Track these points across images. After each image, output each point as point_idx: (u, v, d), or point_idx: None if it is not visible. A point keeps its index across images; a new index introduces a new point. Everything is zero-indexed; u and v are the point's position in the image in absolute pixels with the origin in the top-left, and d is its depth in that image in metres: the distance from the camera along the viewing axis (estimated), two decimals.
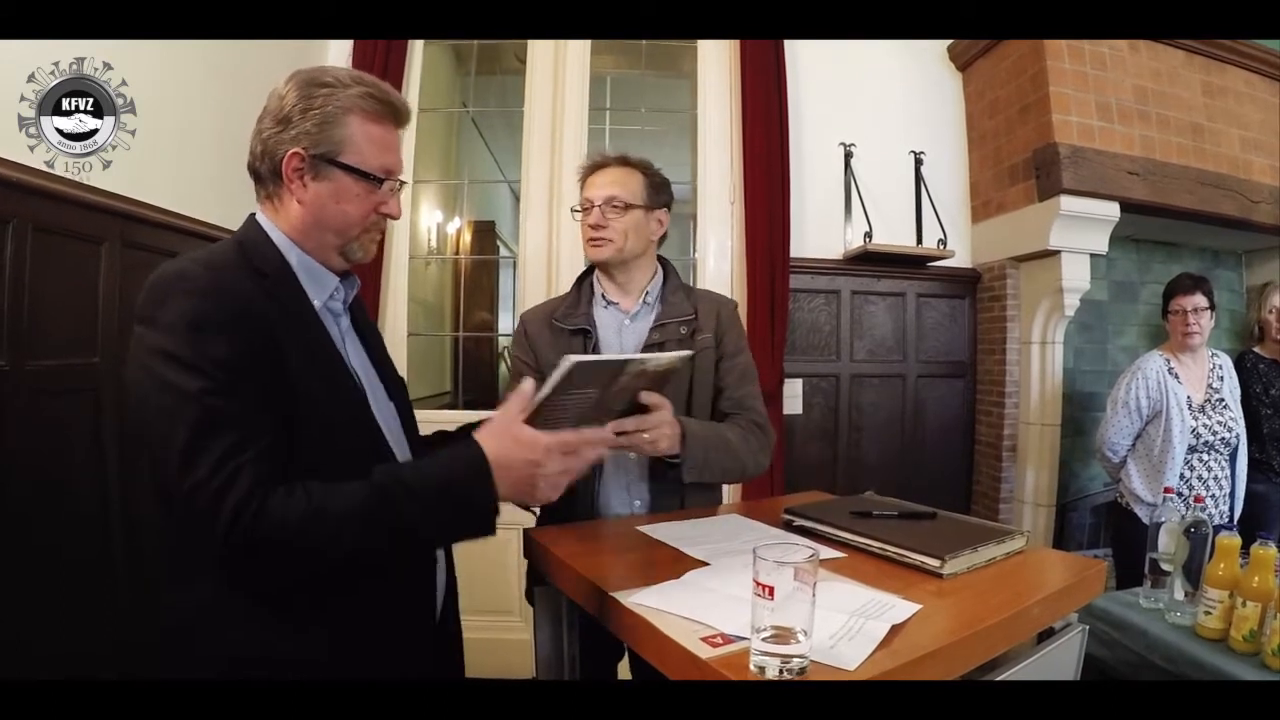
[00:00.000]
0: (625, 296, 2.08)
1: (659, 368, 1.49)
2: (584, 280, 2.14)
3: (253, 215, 1.34)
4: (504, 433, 1.21)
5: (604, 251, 2.03)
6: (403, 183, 1.40)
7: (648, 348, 1.98)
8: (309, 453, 1.17)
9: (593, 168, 2.07)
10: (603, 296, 2.08)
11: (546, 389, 1.22)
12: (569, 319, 2.03)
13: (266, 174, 1.30)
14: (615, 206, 1.99)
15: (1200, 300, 3.09)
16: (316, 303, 1.31)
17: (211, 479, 1.05)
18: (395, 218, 1.38)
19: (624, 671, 1.91)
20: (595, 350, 1.98)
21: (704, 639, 1.08)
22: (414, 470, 1.23)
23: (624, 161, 2.06)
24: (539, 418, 1.24)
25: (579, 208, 2.06)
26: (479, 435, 1.21)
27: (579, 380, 1.26)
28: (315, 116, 1.25)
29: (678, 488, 1.90)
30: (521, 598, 3.44)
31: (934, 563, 1.39)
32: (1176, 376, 3.11)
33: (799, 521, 1.70)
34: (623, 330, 2.06)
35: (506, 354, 4.98)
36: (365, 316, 1.55)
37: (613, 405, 1.47)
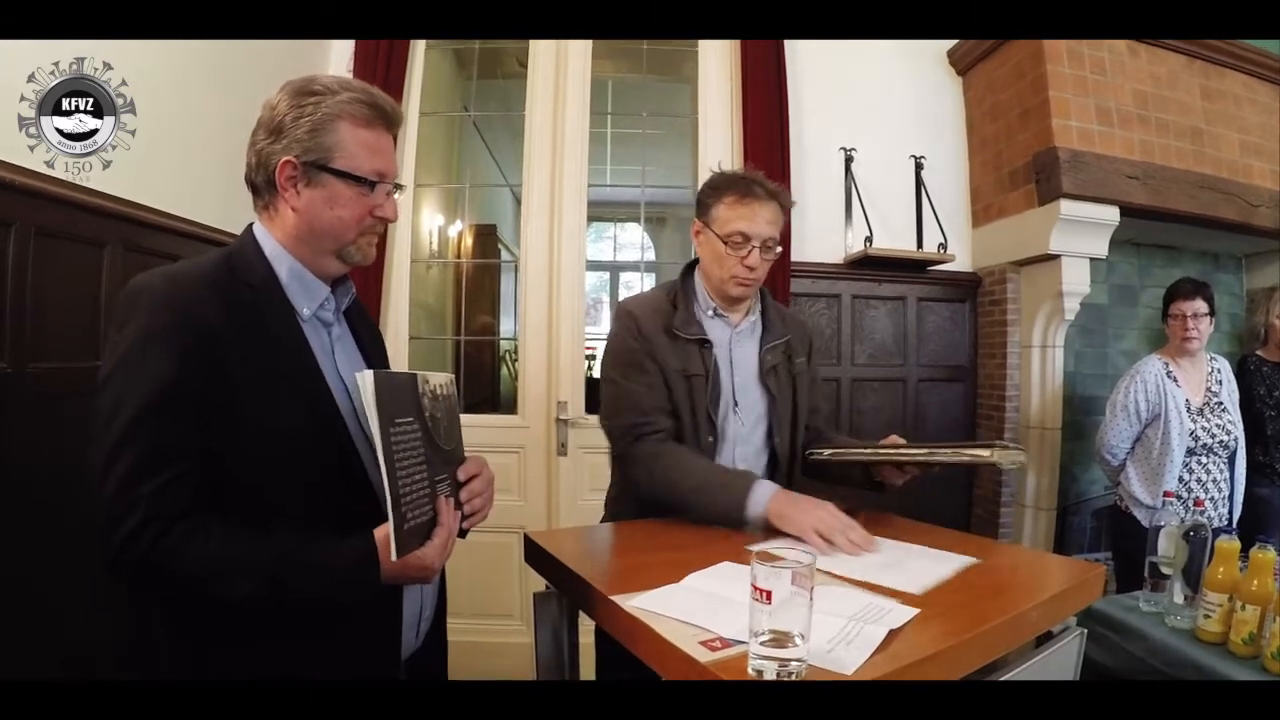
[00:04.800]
0: (734, 313, 2.06)
1: (444, 390, 1.37)
2: (684, 280, 2.09)
3: (250, 226, 1.36)
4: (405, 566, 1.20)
5: (750, 292, 2.03)
6: (400, 186, 1.40)
7: (763, 370, 2.05)
8: (256, 470, 1.20)
9: (750, 196, 1.94)
10: (712, 308, 2.04)
11: (373, 422, 1.13)
12: (688, 327, 1.98)
13: (262, 184, 1.31)
14: (769, 248, 1.95)
15: (1200, 306, 3.10)
16: (305, 312, 1.33)
17: (115, 499, 1.09)
18: (391, 220, 1.39)
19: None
20: (715, 365, 1.98)
21: (702, 643, 1.08)
22: (309, 552, 1.19)
23: (775, 195, 1.97)
24: (393, 477, 1.15)
25: (724, 235, 1.94)
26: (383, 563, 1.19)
27: (393, 405, 1.18)
28: (305, 124, 1.27)
29: None
30: (522, 601, 3.48)
31: (985, 453, 1.50)
32: (1175, 380, 3.12)
33: (825, 454, 1.84)
34: (732, 344, 2.05)
35: (508, 357, 5.00)
36: (366, 322, 1.56)
37: (443, 444, 1.33)
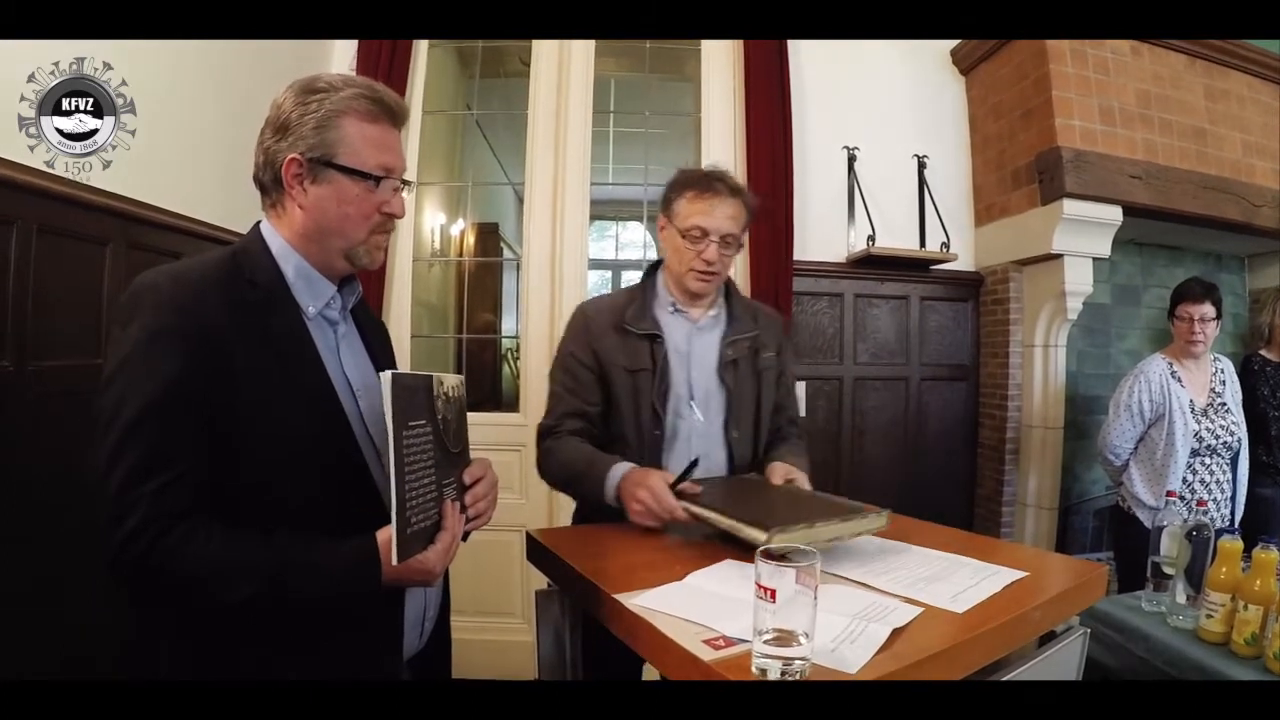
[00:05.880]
0: (695, 307, 2.07)
1: (456, 392, 1.37)
2: (647, 279, 2.12)
3: (257, 224, 1.36)
4: (406, 569, 1.19)
5: (710, 287, 2.03)
6: (407, 183, 1.40)
7: (722, 364, 2.04)
8: (259, 470, 1.19)
9: (710, 192, 1.97)
10: (671, 304, 2.06)
11: (389, 423, 1.13)
12: (639, 323, 1.99)
13: (269, 182, 1.31)
14: (728, 244, 1.97)
15: (1208, 310, 3.06)
16: (311, 311, 1.32)
17: (116, 498, 1.08)
18: (399, 217, 1.39)
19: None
20: (664, 359, 1.98)
21: (706, 641, 1.08)
22: (309, 553, 1.18)
23: (737, 192, 1.99)
24: (401, 480, 1.14)
25: (683, 229, 1.97)
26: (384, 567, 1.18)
27: (408, 408, 1.18)
28: (310, 121, 1.27)
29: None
30: (524, 599, 3.48)
31: (761, 535, 1.36)
32: (1179, 380, 3.10)
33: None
34: (691, 339, 2.05)
35: (510, 356, 4.99)
36: (373, 321, 1.57)
37: (451, 447, 1.33)
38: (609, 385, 2.00)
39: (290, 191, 1.29)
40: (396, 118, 1.36)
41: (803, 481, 1.89)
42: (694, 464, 1.79)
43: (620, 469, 1.82)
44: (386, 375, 1.12)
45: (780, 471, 1.90)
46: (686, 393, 2.02)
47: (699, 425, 2.02)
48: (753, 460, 2.10)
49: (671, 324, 2.04)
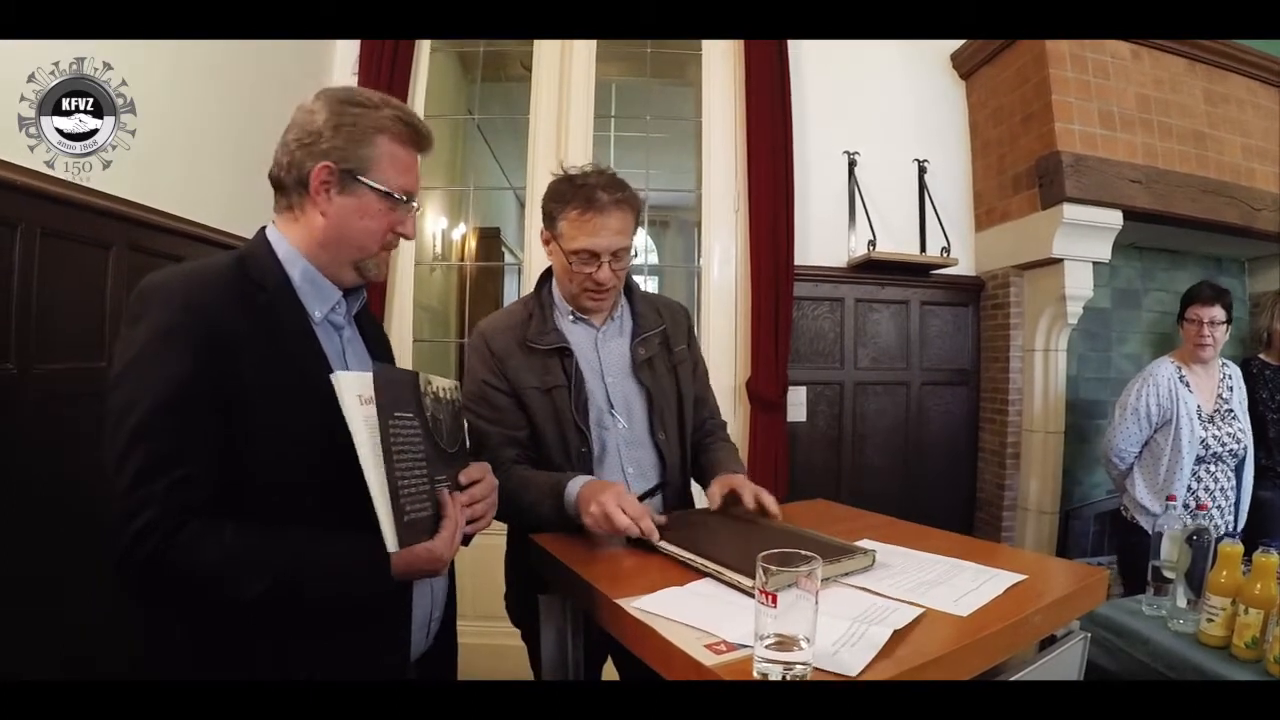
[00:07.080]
0: (597, 314, 1.96)
1: (448, 394, 1.38)
2: (542, 288, 2.00)
3: (262, 229, 1.37)
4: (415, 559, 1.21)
5: (607, 302, 1.94)
6: (416, 206, 1.44)
7: (636, 365, 1.95)
8: (268, 471, 1.20)
9: (593, 209, 1.81)
10: (572, 313, 1.95)
11: (353, 414, 1.14)
12: (543, 338, 1.88)
13: (291, 184, 1.32)
14: (620, 258, 1.85)
15: (1219, 313, 3.03)
16: (317, 315, 1.34)
17: (126, 495, 1.08)
18: (409, 238, 1.43)
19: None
20: (578, 373, 1.87)
21: (708, 646, 1.08)
22: (320, 550, 1.19)
23: (623, 202, 1.83)
24: (390, 467, 1.16)
25: (570, 251, 1.83)
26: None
27: (393, 399, 1.19)
28: (346, 133, 1.30)
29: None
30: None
31: (747, 581, 1.29)
32: (1187, 385, 3.06)
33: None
34: (599, 345, 1.96)
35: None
36: (375, 327, 1.59)
37: (446, 447, 1.34)
38: (526, 409, 1.87)
39: (315, 198, 1.30)
40: (423, 145, 1.42)
41: (762, 494, 1.78)
42: (659, 486, 1.79)
43: (582, 479, 1.71)
44: (343, 374, 1.16)
45: (739, 496, 1.79)
46: (606, 403, 1.92)
47: (624, 433, 1.93)
48: (683, 461, 2.03)
49: (576, 333, 1.93)
